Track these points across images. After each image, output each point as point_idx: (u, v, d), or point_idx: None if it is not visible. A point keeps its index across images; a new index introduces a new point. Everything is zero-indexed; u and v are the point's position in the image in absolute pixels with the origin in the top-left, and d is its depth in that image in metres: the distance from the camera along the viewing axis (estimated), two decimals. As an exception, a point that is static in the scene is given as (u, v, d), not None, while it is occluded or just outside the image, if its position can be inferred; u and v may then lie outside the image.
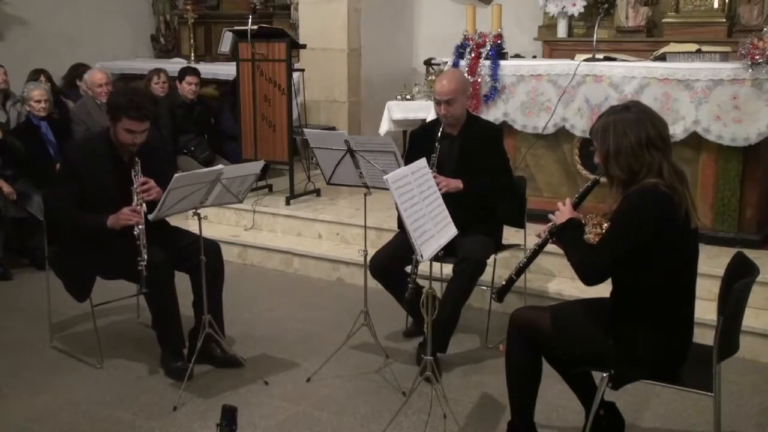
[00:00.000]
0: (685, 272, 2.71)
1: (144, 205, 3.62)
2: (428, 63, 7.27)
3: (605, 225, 4.68)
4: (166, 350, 3.86)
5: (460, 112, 4.00)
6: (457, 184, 3.89)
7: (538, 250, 3.01)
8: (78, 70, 7.14)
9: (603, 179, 2.86)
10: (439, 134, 3.96)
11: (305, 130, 4.30)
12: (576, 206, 2.91)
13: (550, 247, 4.79)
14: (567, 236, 2.83)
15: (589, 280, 2.71)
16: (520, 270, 3.07)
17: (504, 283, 3.09)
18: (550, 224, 2.91)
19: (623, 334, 2.69)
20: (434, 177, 3.67)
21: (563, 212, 2.87)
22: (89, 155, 3.78)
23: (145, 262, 3.53)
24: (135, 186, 3.64)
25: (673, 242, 2.62)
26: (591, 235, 4.79)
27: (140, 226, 3.57)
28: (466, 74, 5.26)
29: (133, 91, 3.88)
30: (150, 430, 3.36)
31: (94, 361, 3.97)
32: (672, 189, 2.60)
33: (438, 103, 3.97)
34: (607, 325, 2.75)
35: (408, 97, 6.75)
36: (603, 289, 2.85)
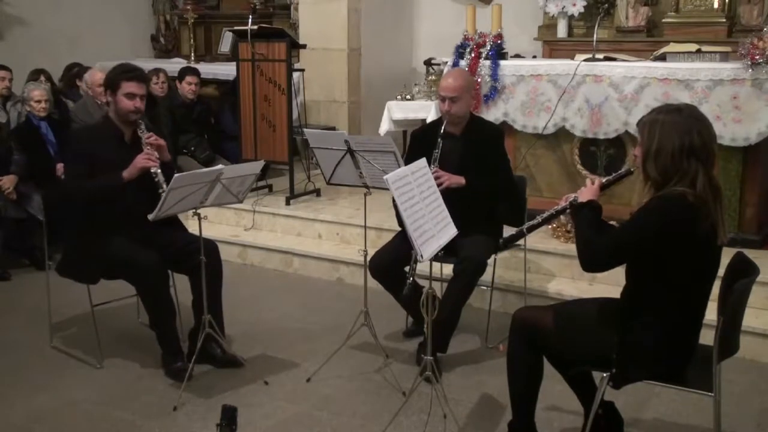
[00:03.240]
0: (702, 283, 2.69)
1: (156, 153, 3.77)
2: (428, 63, 7.26)
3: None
4: (165, 350, 3.87)
5: (464, 110, 4.00)
6: (459, 179, 3.89)
7: (555, 215, 3.03)
8: (72, 71, 7.14)
9: (632, 173, 2.87)
10: (442, 131, 3.96)
11: (305, 130, 4.30)
12: (602, 188, 2.91)
13: (551, 246, 4.86)
14: (582, 216, 2.81)
15: (588, 265, 2.71)
16: (532, 227, 3.09)
17: (514, 232, 3.14)
18: (573, 195, 2.92)
19: (631, 334, 2.68)
20: (435, 172, 3.69)
21: (589, 190, 2.87)
22: (95, 136, 3.92)
23: (152, 218, 3.57)
24: (144, 139, 3.78)
25: (691, 253, 2.59)
26: None
27: (157, 166, 3.72)
28: (466, 74, 5.27)
29: (123, 64, 4.03)
30: (150, 430, 3.36)
31: (94, 361, 3.97)
32: (701, 201, 2.56)
33: (443, 99, 3.96)
34: (611, 324, 2.75)
35: (408, 97, 6.75)
36: (603, 290, 2.85)
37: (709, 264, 2.68)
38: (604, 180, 2.95)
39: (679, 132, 2.59)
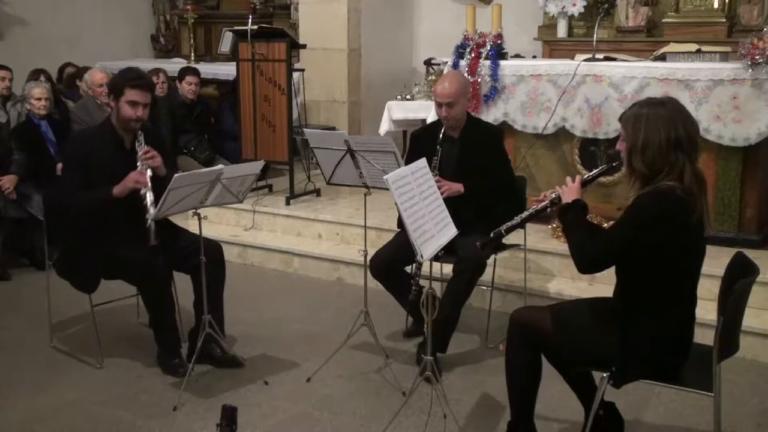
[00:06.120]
0: (692, 275, 2.71)
1: (149, 170, 3.70)
2: (428, 63, 7.27)
3: (605, 225, 4.68)
4: (162, 348, 3.88)
5: (460, 114, 3.99)
6: (458, 188, 3.89)
7: (534, 213, 3.00)
8: (66, 71, 7.15)
9: (617, 168, 2.84)
10: (441, 137, 3.96)
11: (305, 130, 4.31)
12: (584, 185, 2.89)
13: (551, 246, 4.85)
14: (571, 218, 2.80)
15: (585, 267, 2.71)
16: (510, 228, 3.04)
17: (492, 235, 3.06)
18: (554, 193, 2.90)
19: (626, 332, 2.68)
20: (437, 181, 3.67)
21: (571, 189, 2.84)
22: (93, 143, 3.85)
23: (152, 218, 3.58)
24: (139, 153, 3.72)
25: (682, 247, 2.60)
26: None
27: (147, 187, 3.66)
28: (466, 74, 5.27)
29: (130, 68, 3.98)
30: (150, 430, 3.36)
31: (94, 361, 3.97)
32: (689, 194, 2.58)
33: (439, 105, 3.96)
34: (608, 323, 2.75)
35: (408, 97, 6.75)
36: (603, 289, 2.85)
37: (698, 257, 2.70)
38: (585, 177, 2.93)
39: (665, 125, 2.60)
